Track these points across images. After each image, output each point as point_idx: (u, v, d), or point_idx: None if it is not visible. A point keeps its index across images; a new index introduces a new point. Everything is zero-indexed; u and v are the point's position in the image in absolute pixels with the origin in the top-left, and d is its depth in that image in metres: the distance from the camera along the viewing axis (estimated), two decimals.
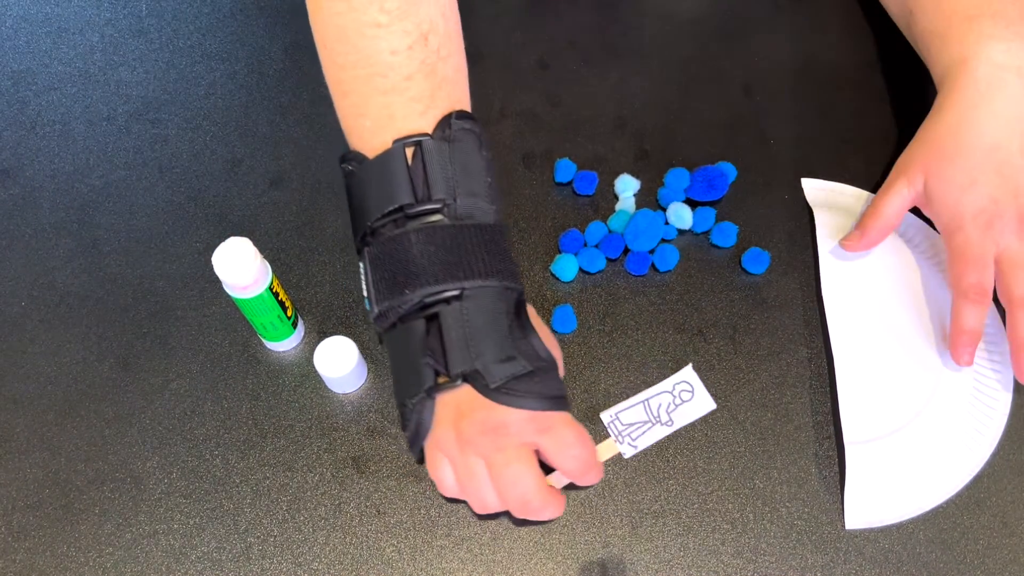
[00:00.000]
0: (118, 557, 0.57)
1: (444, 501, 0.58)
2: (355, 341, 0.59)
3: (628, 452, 0.59)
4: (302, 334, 0.63)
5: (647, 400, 0.60)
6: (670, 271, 0.65)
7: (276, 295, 0.58)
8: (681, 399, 0.60)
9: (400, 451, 0.59)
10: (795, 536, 0.56)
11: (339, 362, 0.58)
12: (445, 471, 0.51)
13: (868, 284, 0.63)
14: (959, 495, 0.57)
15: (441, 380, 0.49)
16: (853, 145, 0.69)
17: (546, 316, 0.63)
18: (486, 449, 0.49)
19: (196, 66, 0.74)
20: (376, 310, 0.51)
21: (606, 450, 0.57)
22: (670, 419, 0.60)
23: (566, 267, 0.64)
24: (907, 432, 0.58)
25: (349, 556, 0.56)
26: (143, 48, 0.75)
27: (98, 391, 0.62)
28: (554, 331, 0.63)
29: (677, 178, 0.67)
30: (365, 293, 0.52)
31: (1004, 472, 0.58)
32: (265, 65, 0.74)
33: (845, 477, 0.57)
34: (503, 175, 0.68)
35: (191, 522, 0.58)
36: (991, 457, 0.58)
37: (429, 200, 0.50)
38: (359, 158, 0.52)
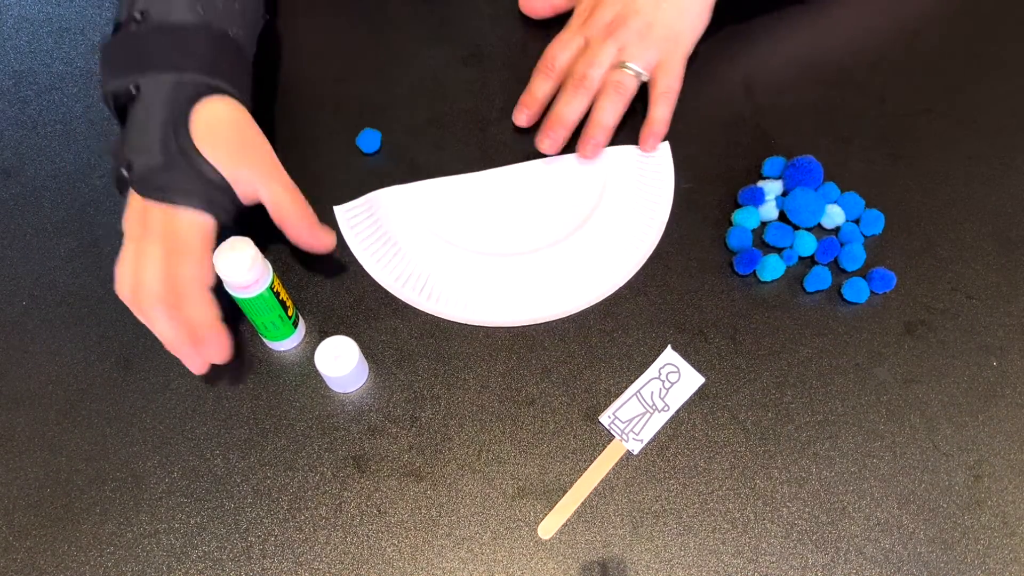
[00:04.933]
0: (119, 556, 0.57)
1: (442, 502, 0.58)
2: (356, 341, 0.59)
3: (636, 447, 0.59)
4: (303, 334, 0.63)
5: (639, 391, 0.60)
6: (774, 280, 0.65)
7: (277, 294, 0.58)
8: (670, 381, 0.60)
9: (401, 451, 0.59)
10: (795, 536, 0.57)
11: (340, 362, 0.58)
12: (126, 257, 0.57)
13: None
14: (959, 495, 0.57)
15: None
16: (853, 145, 0.69)
17: None
18: (133, 234, 0.57)
19: None
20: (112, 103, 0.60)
21: (614, 452, 0.57)
22: (665, 404, 0.60)
23: None
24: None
25: (350, 555, 0.57)
26: None
27: (99, 390, 0.62)
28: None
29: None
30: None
31: (1004, 472, 0.58)
32: (265, 65, 0.74)
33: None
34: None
35: (192, 521, 0.58)
36: (991, 457, 0.58)
37: (128, 16, 0.59)
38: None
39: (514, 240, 0.65)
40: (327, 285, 0.65)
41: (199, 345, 0.56)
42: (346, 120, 0.71)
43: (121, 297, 0.57)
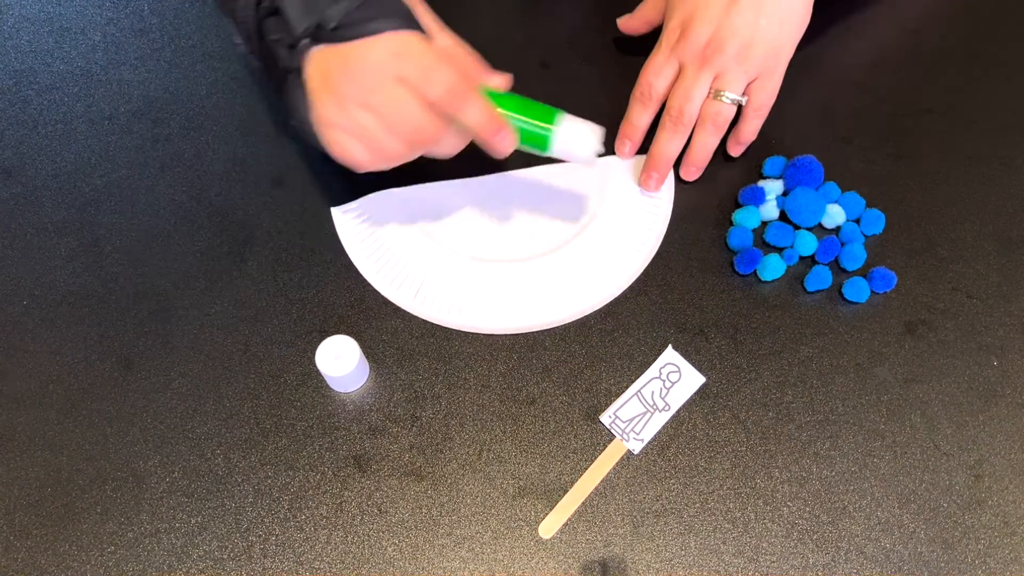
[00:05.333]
0: (119, 556, 0.57)
1: (443, 502, 0.58)
2: (356, 340, 0.59)
3: (636, 447, 0.59)
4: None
5: (639, 391, 0.60)
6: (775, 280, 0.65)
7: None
8: (671, 381, 0.60)
9: (402, 450, 0.59)
10: (795, 536, 0.57)
11: (340, 361, 0.58)
12: (345, 143, 0.53)
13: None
14: (959, 494, 0.57)
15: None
16: (853, 145, 0.69)
17: None
18: (362, 96, 0.51)
19: (198, 65, 0.74)
20: (243, 42, 0.55)
21: (614, 452, 0.57)
22: (666, 404, 0.60)
23: None
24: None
25: (350, 555, 0.57)
26: (145, 47, 0.75)
27: (99, 390, 0.62)
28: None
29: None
30: (238, 39, 0.56)
31: (1004, 472, 0.58)
32: None
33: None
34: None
35: (192, 521, 0.58)
36: (991, 456, 0.58)
37: None
38: None
39: (514, 246, 0.65)
40: (327, 285, 0.65)
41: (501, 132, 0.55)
42: None
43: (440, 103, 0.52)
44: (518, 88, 0.70)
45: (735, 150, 0.67)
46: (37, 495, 0.59)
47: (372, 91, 0.52)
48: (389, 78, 0.52)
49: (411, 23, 0.53)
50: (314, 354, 0.60)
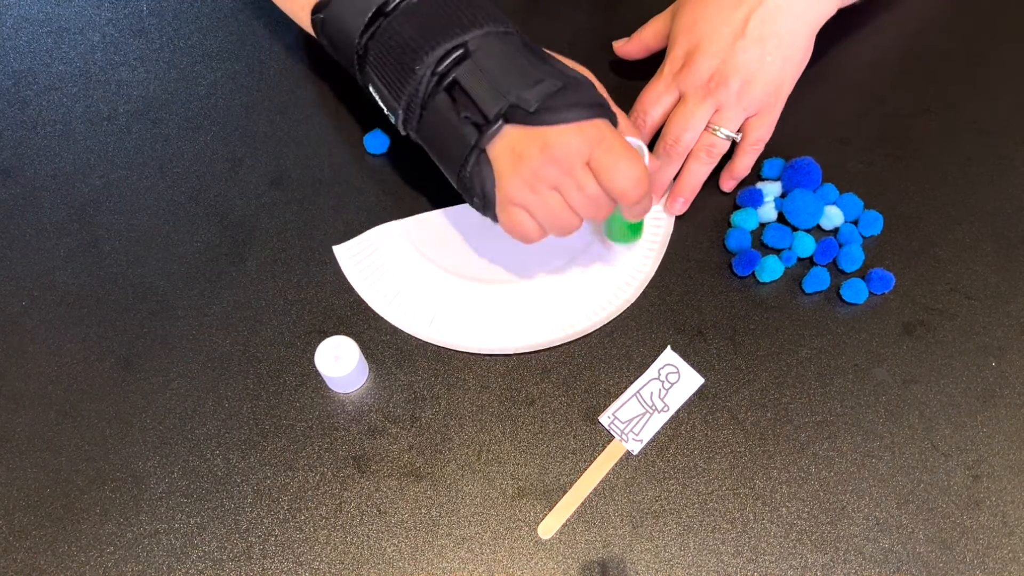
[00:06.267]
0: (119, 556, 0.57)
1: (442, 502, 0.58)
2: (355, 341, 0.59)
3: (635, 448, 0.59)
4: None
5: (638, 392, 0.60)
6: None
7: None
8: (669, 382, 0.61)
9: (401, 450, 0.59)
10: (794, 536, 0.57)
11: (340, 362, 0.58)
12: (524, 221, 0.55)
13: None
14: (957, 495, 0.57)
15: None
16: (851, 146, 0.69)
17: None
18: (555, 178, 0.53)
19: (197, 66, 0.74)
20: (401, 112, 0.56)
21: (614, 452, 0.57)
22: (665, 405, 0.60)
23: None
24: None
25: (350, 555, 0.57)
26: (144, 48, 0.75)
27: (99, 390, 0.62)
28: None
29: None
30: (386, 109, 0.57)
31: (1002, 472, 0.58)
32: (266, 65, 0.74)
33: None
34: None
35: (192, 521, 0.58)
36: (990, 457, 0.58)
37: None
38: (323, 4, 0.58)
39: (513, 267, 0.64)
40: (326, 285, 0.65)
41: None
42: (355, 120, 0.71)
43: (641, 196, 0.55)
44: None
45: (727, 185, 0.67)
46: (36, 495, 0.59)
47: (566, 173, 0.54)
48: (583, 161, 0.54)
49: (606, 112, 0.55)
50: (313, 355, 0.60)
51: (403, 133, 0.59)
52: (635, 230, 0.62)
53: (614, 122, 0.56)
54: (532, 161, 0.53)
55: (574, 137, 0.53)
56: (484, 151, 0.54)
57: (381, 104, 0.58)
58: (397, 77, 0.55)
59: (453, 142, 0.55)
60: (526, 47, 0.56)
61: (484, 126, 0.53)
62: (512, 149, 0.53)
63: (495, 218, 0.57)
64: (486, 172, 0.55)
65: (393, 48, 0.55)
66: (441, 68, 0.54)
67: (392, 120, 0.58)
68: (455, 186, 0.59)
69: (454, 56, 0.54)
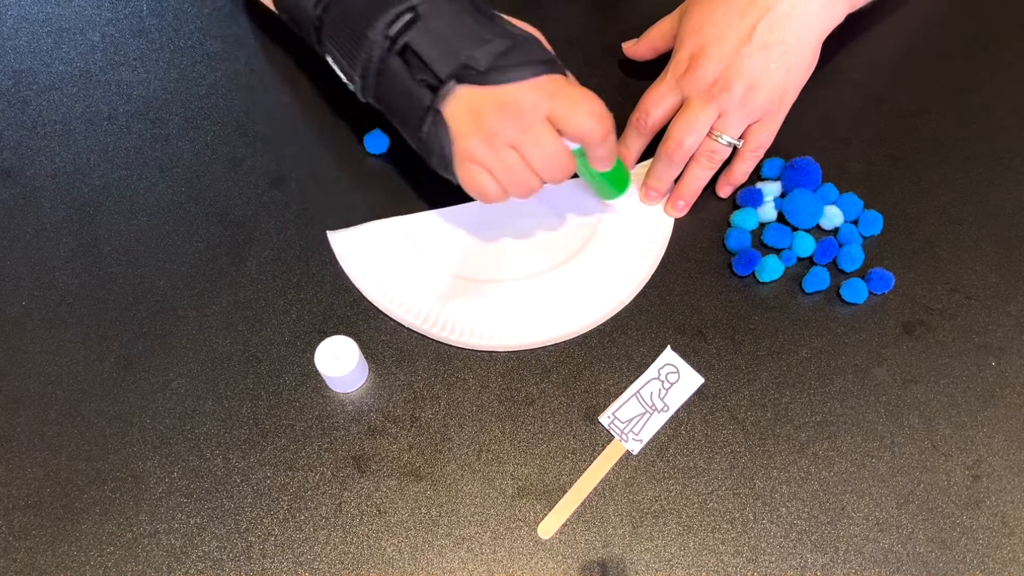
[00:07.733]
0: (119, 556, 0.57)
1: (442, 502, 0.58)
2: (355, 341, 0.59)
3: (635, 447, 0.59)
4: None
5: (638, 392, 0.60)
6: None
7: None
8: (669, 381, 0.61)
9: (401, 451, 0.59)
10: (794, 536, 0.57)
11: (339, 362, 0.58)
12: (483, 180, 0.56)
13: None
14: (957, 495, 0.57)
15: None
16: (851, 146, 0.69)
17: None
18: (512, 136, 0.54)
19: (197, 66, 0.74)
20: (358, 79, 0.57)
21: (613, 452, 0.57)
22: (665, 404, 0.60)
23: None
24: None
25: (350, 555, 0.57)
26: (144, 48, 0.75)
27: (99, 390, 0.62)
28: None
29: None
30: (345, 78, 0.58)
31: (1002, 472, 0.58)
32: (265, 65, 0.74)
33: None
34: None
35: (192, 521, 0.58)
36: (990, 457, 0.58)
37: None
38: None
39: (517, 264, 0.65)
40: (326, 285, 0.65)
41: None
42: (355, 120, 0.71)
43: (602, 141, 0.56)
44: None
45: (724, 191, 0.67)
46: (36, 495, 0.59)
47: (524, 131, 0.55)
48: (540, 118, 0.55)
49: (557, 68, 0.56)
50: (313, 354, 0.60)
51: (363, 100, 0.60)
52: (619, 183, 0.62)
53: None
54: (489, 119, 0.54)
55: (530, 93, 0.54)
56: (440, 112, 0.55)
57: (340, 74, 0.60)
58: (351, 44, 0.57)
59: (409, 105, 0.56)
60: (474, 7, 0.57)
61: (437, 87, 0.54)
62: (469, 108, 0.54)
63: (455, 178, 0.58)
64: (443, 133, 0.56)
65: (346, 16, 0.56)
66: (392, 32, 0.55)
67: (351, 88, 0.60)
68: (415, 148, 0.60)
69: (404, 20, 0.54)
